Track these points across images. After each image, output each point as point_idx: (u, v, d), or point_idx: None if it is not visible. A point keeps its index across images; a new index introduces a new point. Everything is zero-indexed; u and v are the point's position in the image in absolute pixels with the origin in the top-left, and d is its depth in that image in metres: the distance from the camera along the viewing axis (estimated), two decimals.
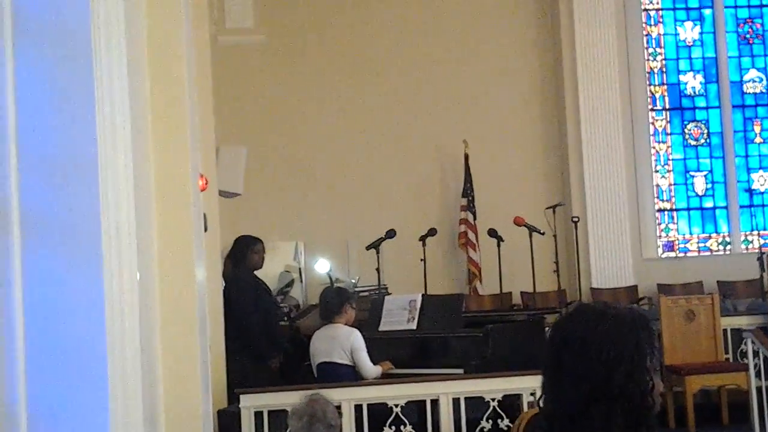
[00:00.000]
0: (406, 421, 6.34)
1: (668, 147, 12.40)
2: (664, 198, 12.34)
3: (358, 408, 6.24)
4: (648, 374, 2.33)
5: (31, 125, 2.75)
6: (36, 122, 2.75)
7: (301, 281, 11.00)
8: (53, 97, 2.78)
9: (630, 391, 2.30)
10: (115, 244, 2.78)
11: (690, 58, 12.56)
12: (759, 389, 7.94)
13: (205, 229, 5.73)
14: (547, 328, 7.11)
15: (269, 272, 9.69)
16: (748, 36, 12.63)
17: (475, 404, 6.44)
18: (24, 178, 2.71)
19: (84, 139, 2.75)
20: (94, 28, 2.82)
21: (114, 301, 2.72)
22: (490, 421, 6.36)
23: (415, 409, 6.53)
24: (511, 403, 6.44)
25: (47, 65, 2.80)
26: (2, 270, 2.63)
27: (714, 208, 12.42)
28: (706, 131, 12.45)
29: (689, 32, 12.57)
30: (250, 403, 6.18)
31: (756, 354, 7.95)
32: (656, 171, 12.33)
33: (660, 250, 12.25)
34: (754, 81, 12.55)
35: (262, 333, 7.73)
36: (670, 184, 12.36)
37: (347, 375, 6.73)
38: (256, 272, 8.10)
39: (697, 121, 12.49)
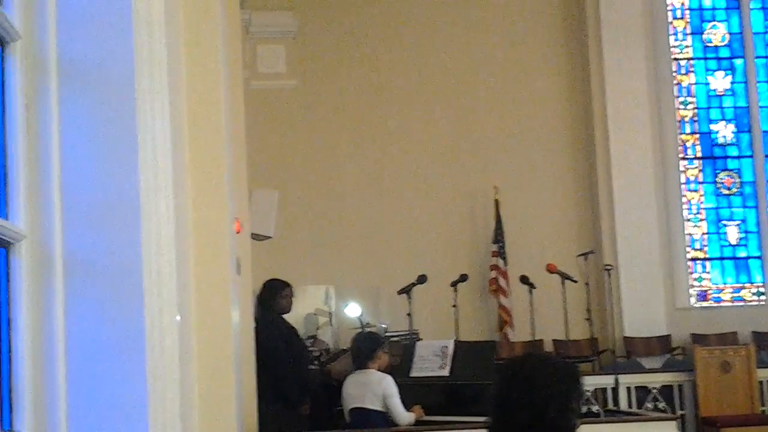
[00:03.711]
0: None
1: (700, 196, 12.34)
2: (697, 247, 12.26)
3: None
4: (574, 414, 2.94)
5: (75, 169, 2.78)
6: (80, 167, 2.78)
7: (332, 325, 10.98)
8: (97, 141, 2.81)
9: (558, 424, 2.89)
10: (156, 287, 2.80)
11: (721, 107, 12.54)
12: None
13: (239, 272, 5.75)
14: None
15: (297, 315, 9.67)
16: None
17: None
18: (67, 222, 2.74)
19: (127, 184, 2.78)
20: (137, 73, 2.86)
21: (155, 343, 2.73)
22: None
23: None
24: None
25: (91, 110, 2.84)
26: (45, 313, 2.65)
27: (747, 257, 12.31)
28: (738, 180, 12.38)
29: (720, 81, 12.56)
30: None
31: None
32: (688, 220, 12.26)
33: (693, 300, 12.14)
34: None
35: (293, 377, 7.71)
36: (702, 233, 12.28)
37: (379, 421, 6.69)
38: (284, 316, 8.09)
39: (730, 170, 12.43)
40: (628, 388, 9.83)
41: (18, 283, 2.65)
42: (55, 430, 2.58)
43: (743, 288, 12.25)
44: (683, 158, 12.37)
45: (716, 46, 12.62)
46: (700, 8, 12.69)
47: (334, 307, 11.14)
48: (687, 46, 12.58)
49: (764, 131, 12.43)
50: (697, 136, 12.46)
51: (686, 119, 12.47)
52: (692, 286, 12.16)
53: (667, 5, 12.54)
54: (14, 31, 2.74)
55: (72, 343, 2.64)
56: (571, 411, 2.93)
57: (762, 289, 12.20)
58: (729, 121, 12.51)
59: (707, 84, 12.56)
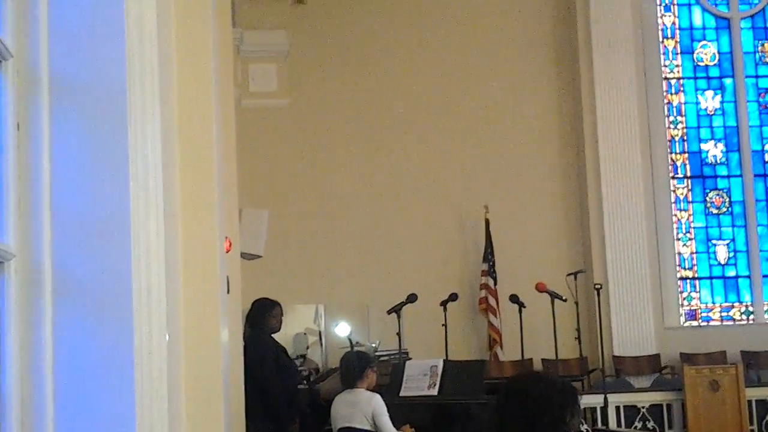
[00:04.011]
0: None
1: (690, 215, 12.38)
2: (686, 266, 12.29)
3: None
4: (570, 428, 3.09)
5: (65, 188, 2.78)
6: (70, 185, 2.78)
7: (321, 344, 10.96)
8: (88, 160, 2.81)
9: None
10: (146, 305, 2.80)
11: (711, 126, 12.60)
12: None
13: (228, 291, 5.74)
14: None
15: (286, 334, 9.65)
16: None
17: None
18: (57, 241, 2.73)
19: (117, 203, 2.78)
20: (129, 92, 2.87)
21: (143, 362, 2.72)
22: None
23: None
24: None
25: (82, 128, 2.84)
26: (34, 331, 2.64)
27: (737, 277, 12.35)
28: (728, 200, 12.43)
29: (710, 101, 12.63)
30: None
31: None
32: (678, 239, 12.30)
33: (682, 319, 12.16)
34: None
35: (282, 397, 7.68)
36: (692, 252, 12.32)
37: None
38: (273, 335, 8.06)
39: (719, 190, 12.48)
40: (617, 407, 9.82)
41: (7, 301, 2.64)
42: None
43: (732, 307, 12.28)
44: (673, 177, 12.42)
45: (706, 66, 12.70)
46: (691, 28, 12.78)
47: (324, 327, 11.13)
48: (677, 66, 12.66)
49: (754, 151, 12.49)
50: (687, 155, 12.51)
51: (676, 138, 12.53)
52: (681, 306, 12.19)
53: (657, 25, 12.62)
54: (6, 50, 2.74)
55: (60, 362, 2.63)
56: (564, 424, 3.06)
57: (751, 309, 12.23)
58: (718, 140, 12.58)
59: (697, 103, 12.63)
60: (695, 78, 12.69)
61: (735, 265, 12.36)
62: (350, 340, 10.03)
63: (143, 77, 2.99)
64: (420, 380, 7.21)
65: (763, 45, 12.75)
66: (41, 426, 2.58)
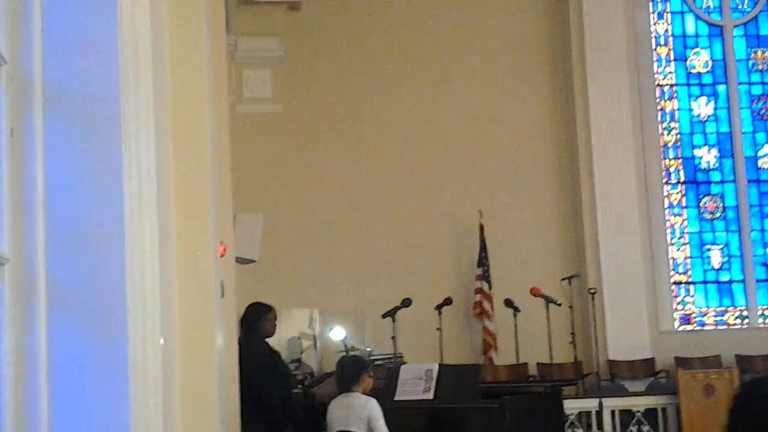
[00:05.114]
0: None
1: (684, 220, 12.42)
2: (681, 271, 12.32)
3: None
4: None
5: (59, 194, 2.79)
6: (64, 191, 2.79)
7: (316, 348, 10.96)
8: (82, 166, 2.83)
9: None
10: (140, 311, 2.81)
11: (704, 132, 12.65)
12: None
13: (222, 296, 5.75)
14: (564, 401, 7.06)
15: (281, 338, 9.65)
16: (762, 112, 12.72)
17: None
18: (51, 247, 2.74)
19: (111, 208, 2.80)
20: (123, 99, 2.88)
21: (138, 367, 2.74)
22: None
23: None
24: None
25: (76, 135, 2.85)
26: (28, 337, 2.65)
27: (731, 281, 12.38)
28: (721, 205, 12.47)
29: (703, 108, 12.67)
30: None
31: None
32: (672, 244, 12.33)
33: (677, 323, 12.19)
34: None
35: (277, 401, 7.68)
36: (686, 257, 12.35)
37: None
38: (267, 339, 8.06)
39: (713, 195, 12.52)
40: (612, 412, 9.85)
41: (0, 306, 2.65)
42: None
43: (726, 311, 12.31)
44: (667, 183, 12.45)
45: (699, 73, 12.74)
46: (684, 35, 12.82)
47: (319, 331, 11.13)
48: (670, 73, 12.70)
49: (747, 157, 12.54)
50: (681, 161, 12.55)
51: (669, 144, 12.57)
52: (676, 310, 12.22)
53: (650, 32, 12.67)
54: (0, 57, 2.75)
55: (55, 368, 2.64)
56: None
57: (745, 313, 12.26)
58: (712, 146, 12.62)
59: (690, 110, 12.68)
60: (688, 85, 12.74)
61: (729, 269, 12.40)
62: (345, 345, 10.03)
63: (137, 84, 3.01)
64: (415, 384, 7.21)
65: (755, 52, 12.80)
66: (36, 429, 2.59)
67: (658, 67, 12.66)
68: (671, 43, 12.77)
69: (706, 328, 12.21)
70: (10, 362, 2.62)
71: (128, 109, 2.90)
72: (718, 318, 12.30)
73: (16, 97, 2.79)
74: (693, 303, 12.30)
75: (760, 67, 12.75)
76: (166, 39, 4.06)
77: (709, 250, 12.42)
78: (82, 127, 2.86)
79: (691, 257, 12.36)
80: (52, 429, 2.61)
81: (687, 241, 12.39)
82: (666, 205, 12.39)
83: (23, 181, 2.76)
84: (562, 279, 10.46)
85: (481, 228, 11.64)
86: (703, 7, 12.82)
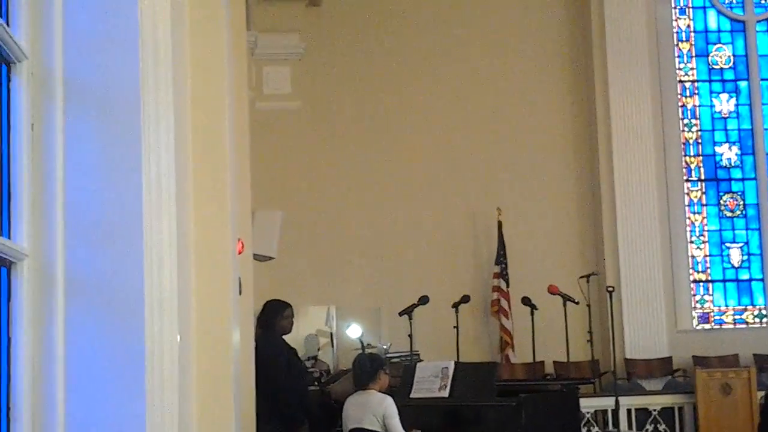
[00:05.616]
0: None
1: (703, 218, 12.35)
2: (700, 269, 12.25)
3: None
4: None
5: (78, 189, 2.80)
6: (83, 186, 2.80)
7: (333, 346, 10.96)
8: (101, 161, 2.83)
9: None
10: (157, 307, 2.82)
11: (726, 129, 12.56)
12: None
13: (240, 293, 5.75)
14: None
15: (298, 336, 9.65)
16: None
17: None
18: (69, 242, 2.75)
19: (130, 204, 2.80)
20: (143, 94, 2.89)
21: (154, 363, 2.74)
22: None
23: None
24: None
25: (96, 130, 2.86)
26: (46, 332, 2.66)
27: (750, 280, 12.30)
28: (742, 203, 12.39)
29: (725, 104, 12.59)
30: None
31: None
32: (691, 242, 12.26)
33: (695, 322, 12.12)
34: None
35: (293, 398, 7.69)
36: (705, 255, 12.28)
37: None
38: (284, 336, 8.07)
39: (733, 193, 12.44)
40: (629, 410, 9.80)
41: (19, 302, 2.67)
42: None
43: (745, 310, 12.24)
44: (687, 180, 12.38)
45: (721, 69, 12.66)
46: (706, 30, 12.74)
47: (336, 328, 11.13)
48: (692, 69, 12.62)
49: None
50: (701, 158, 12.48)
51: (690, 141, 12.49)
52: (694, 308, 12.15)
53: (672, 28, 12.59)
54: (21, 52, 2.76)
55: (71, 362, 2.65)
56: None
57: (764, 312, 12.18)
58: (733, 143, 12.53)
59: (712, 106, 12.60)
60: (710, 81, 12.65)
61: (749, 268, 12.32)
62: (362, 342, 10.02)
63: (157, 80, 3.01)
64: (431, 382, 7.20)
65: None
66: (53, 423, 2.61)
67: (680, 63, 12.59)
68: (693, 38, 12.69)
69: (724, 326, 12.15)
70: (29, 355, 2.64)
71: (148, 105, 2.91)
72: (737, 317, 12.23)
73: (36, 92, 2.81)
74: (712, 302, 12.23)
75: None
76: (186, 35, 4.07)
77: (728, 248, 12.35)
78: (102, 122, 2.86)
79: (710, 255, 12.29)
80: (69, 422, 2.62)
81: (707, 239, 12.32)
82: (686, 202, 12.32)
83: (43, 176, 2.77)
84: (580, 277, 10.39)
85: (500, 225, 11.61)
86: (726, 2, 12.73)
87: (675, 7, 12.66)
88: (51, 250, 2.72)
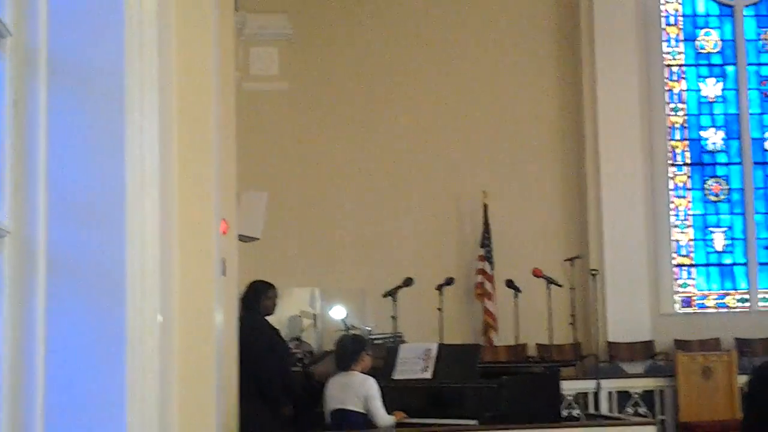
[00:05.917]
0: None
1: (688, 202, 12.40)
2: (683, 253, 12.31)
3: None
4: None
5: (61, 166, 2.79)
6: (66, 164, 2.79)
7: (316, 327, 10.97)
8: (84, 139, 2.82)
9: None
10: (139, 286, 2.81)
11: (712, 114, 12.60)
12: None
13: (224, 273, 5.75)
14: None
15: (281, 317, 9.64)
16: None
17: None
18: (52, 219, 2.74)
19: (113, 182, 2.79)
20: (127, 72, 2.87)
21: (135, 343, 2.74)
22: None
23: None
24: None
25: (80, 107, 2.84)
26: (26, 309, 2.66)
27: (733, 264, 12.38)
28: (726, 187, 12.44)
29: (711, 88, 12.61)
30: None
31: None
32: (675, 226, 12.32)
33: (677, 306, 12.19)
34: None
35: (276, 379, 7.69)
36: (689, 240, 12.34)
37: (359, 423, 6.69)
38: (267, 317, 8.06)
39: (718, 177, 12.49)
40: (610, 393, 9.87)
41: (0, 278, 2.65)
42: (31, 426, 2.58)
43: (728, 294, 12.31)
44: (672, 164, 12.42)
45: (708, 53, 12.68)
46: (694, 15, 12.75)
47: (319, 309, 11.13)
48: (679, 53, 12.64)
49: (753, 139, 12.50)
50: (687, 142, 12.51)
51: (676, 125, 12.53)
52: (677, 292, 12.22)
53: (660, 12, 12.59)
54: (5, 29, 2.74)
55: (52, 341, 2.65)
56: None
57: (746, 296, 12.26)
58: (719, 128, 12.57)
59: (698, 91, 12.63)
60: (697, 65, 12.67)
61: (732, 252, 12.39)
62: (345, 324, 10.03)
63: (142, 57, 3.00)
64: (414, 363, 7.22)
65: (765, 33, 12.73)
66: (31, 402, 2.60)
67: (667, 47, 12.60)
68: (681, 22, 12.69)
69: (706, 310, 12.22)
70: (9, 333, 2.63)
71: (132, 83, 2.89)
72: (719, 301, 12.30)
73: (19, 69, 2.78)
74: (695, 285, 12.30)
75: None
76: (173, 13, 4.05)
77: (712, 232, 12.41)
78: (86, 99, 2.85)
79: (694, 240, 12.35)
80: (48, 401, 2.62)
81: (691, 223, 12.37)
82: (671, 186, 12.36)
83: (25, 153, 2.75)
84: (565, 260, 10.44)
85: (485, 208, 11.63)
86: None
87: None
88: (33, 227, 2.70)
